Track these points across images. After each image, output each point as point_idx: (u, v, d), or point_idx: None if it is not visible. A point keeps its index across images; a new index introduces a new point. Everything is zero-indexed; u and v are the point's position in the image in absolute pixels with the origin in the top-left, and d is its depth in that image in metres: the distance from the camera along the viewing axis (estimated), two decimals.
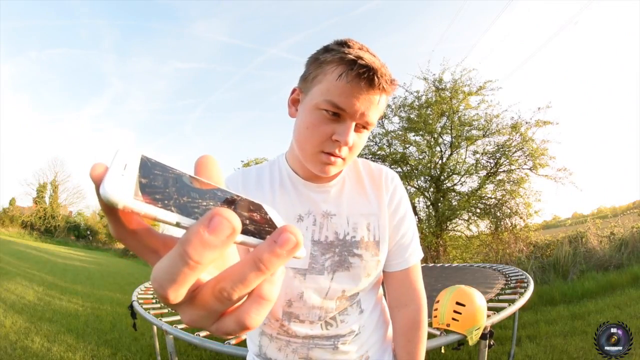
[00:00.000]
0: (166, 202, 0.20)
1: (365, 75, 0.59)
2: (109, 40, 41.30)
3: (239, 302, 0.21)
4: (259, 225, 0.23)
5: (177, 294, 0.19)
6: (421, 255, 0.82)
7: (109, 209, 0.19)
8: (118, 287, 6.94)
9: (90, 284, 7.26)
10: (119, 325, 4.14)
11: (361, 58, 0.60)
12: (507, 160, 7.97)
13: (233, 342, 1.62)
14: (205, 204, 0.22)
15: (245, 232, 0.21)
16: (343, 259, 0.73)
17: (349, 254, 0.74)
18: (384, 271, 0.81)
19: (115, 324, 4.18)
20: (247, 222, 0.22)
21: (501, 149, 8.06)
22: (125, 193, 0.18)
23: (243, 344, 1.51)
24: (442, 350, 2.01)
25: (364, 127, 0.66)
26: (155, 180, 0.21)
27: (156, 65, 44.52)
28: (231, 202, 0.24)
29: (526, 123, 7.75)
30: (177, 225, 0.19)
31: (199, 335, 1.72)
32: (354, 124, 0.63)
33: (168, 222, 0.19)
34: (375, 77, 0.60)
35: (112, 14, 41.13)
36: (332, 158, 0.65)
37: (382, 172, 0.80)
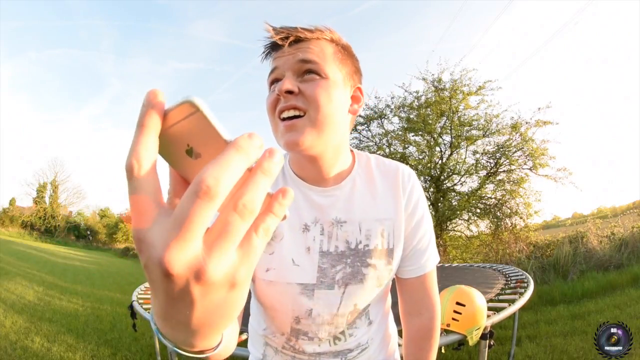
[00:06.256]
0: None
1: (271, 36, 0.62)
2: (108, 40, 41.44)
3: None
4: None
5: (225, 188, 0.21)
6: (437, 259, 0.76)
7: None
8: (118, 287, 6.93)
9: (90, 284, 7.26)
10: (119, 325, 4.13)
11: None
12: (507, 160, 7.95)
13: None
14: None
15: None
16: (356, 270, 0.67)
17: (362, 265, 0.67)
18: (398, 277, 0.76)
19: (115, 324, 4.17)
20: None
21: (501, 149, 8.05)
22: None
23: (243, 344, 1.51)
24: (442, 350, 2.01)
25: (307, 72, 0.60)
26: None
27: (155, 65, 44.67)
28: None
29: (526, 123, 7.73)
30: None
31: None
32: (289, 73, 0.60)
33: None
34: (278, 29, 0.61)
35: (111, 14, 41.25)
36: (286, 118, 0.59)
37: (399, 170, 0.72)
